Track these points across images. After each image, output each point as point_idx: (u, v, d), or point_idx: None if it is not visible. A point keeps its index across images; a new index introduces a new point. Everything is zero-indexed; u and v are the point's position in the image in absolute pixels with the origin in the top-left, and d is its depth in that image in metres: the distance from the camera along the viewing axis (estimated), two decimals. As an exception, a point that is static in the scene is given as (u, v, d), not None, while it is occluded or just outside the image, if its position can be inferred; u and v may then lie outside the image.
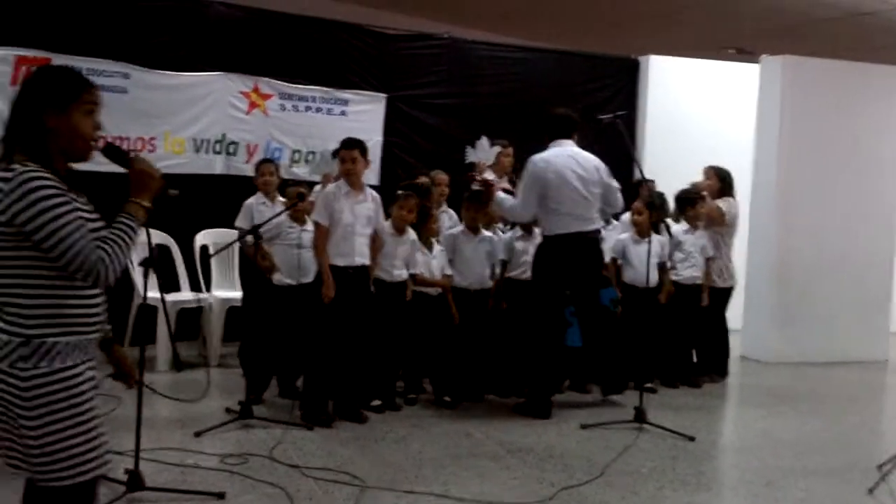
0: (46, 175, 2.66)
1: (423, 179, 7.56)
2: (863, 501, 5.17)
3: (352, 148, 6.27)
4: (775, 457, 6.02)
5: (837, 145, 9.74)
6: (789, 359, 9.41)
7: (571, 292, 6.84)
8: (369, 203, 6.36)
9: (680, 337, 8.09)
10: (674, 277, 7.99)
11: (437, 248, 6.99)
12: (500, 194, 7.02)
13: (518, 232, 7.34)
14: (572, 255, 6.71)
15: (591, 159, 6.84)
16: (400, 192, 6.92)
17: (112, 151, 2.96)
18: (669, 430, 6.34)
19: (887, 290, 10.18)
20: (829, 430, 6.91)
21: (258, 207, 7.03)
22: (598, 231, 6.87)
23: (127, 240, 2.80)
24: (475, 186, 7.12)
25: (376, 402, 6.56)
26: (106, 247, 2.73)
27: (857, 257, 9.79)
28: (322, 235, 6.19)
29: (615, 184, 7.03)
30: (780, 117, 9.70)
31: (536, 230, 7.30)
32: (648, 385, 7.43)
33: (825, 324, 9.61)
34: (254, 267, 6.65)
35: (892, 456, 5.57)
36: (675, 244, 8.00)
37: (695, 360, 8.34)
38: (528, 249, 7.26)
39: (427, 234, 6.94)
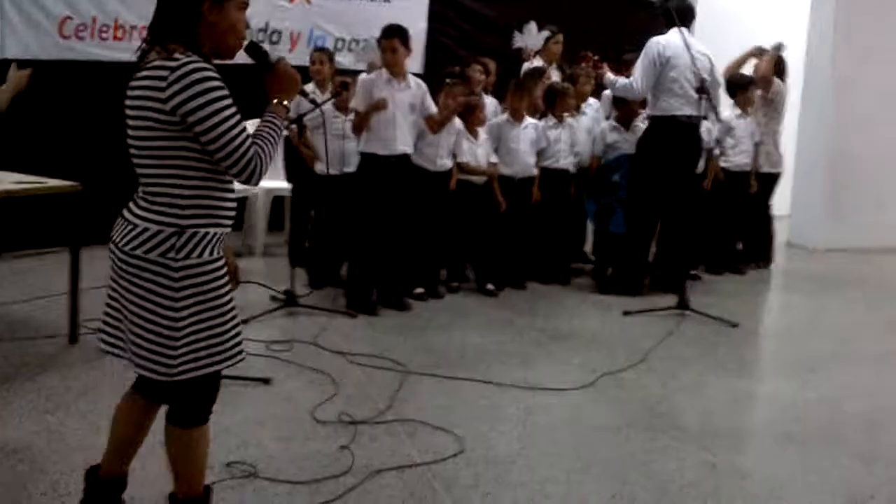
0: (211, 67, 2.64)
1: (477, 70, 7.43)
2: (907, 386, 5.17)
3: (392, 36, 6.15)
4: (819, 343, 6.01)
5: (893, 30, 9.43)
6: (837, 245, 9.30)
7: (671, 177, 6.87)
8: (413, 90, 6.27)
9: (725, 224, 8.02)
10: (723, 164, 7.88)
11: (482, 135, 6.92)
12: (610, 74, 7.07)
13: (550, 120, 7.26)
14: (679, 138, 6.85)
15: (705, 51, 6.91)
16: (448, 80, 6.84)
17: (254, 50, 2.94)
18: (712, 317, 6.34)
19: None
20: (875, 316, 6.87)
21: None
22: (700, 119, 6.88)
23: (275, 138, 2.83)
24: (586, 65, 7.16)
25: (419, 290, 6.61)
26: (260, 144, 2.75)
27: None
28: (359, 121, 6.16)
29: (721, 80, 7.20)
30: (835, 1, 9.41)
31: (569, 119, 7.27)
32: (693, 272, 7.40)
33: (874, 210, 9.47)
34: (298, 157, 6.70)
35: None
36: (727, 130, 7.85)
37: (739, 247, 8.30)
38: (560, 137, 7.25)
39: (473, 122, 6.86)
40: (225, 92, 2.64)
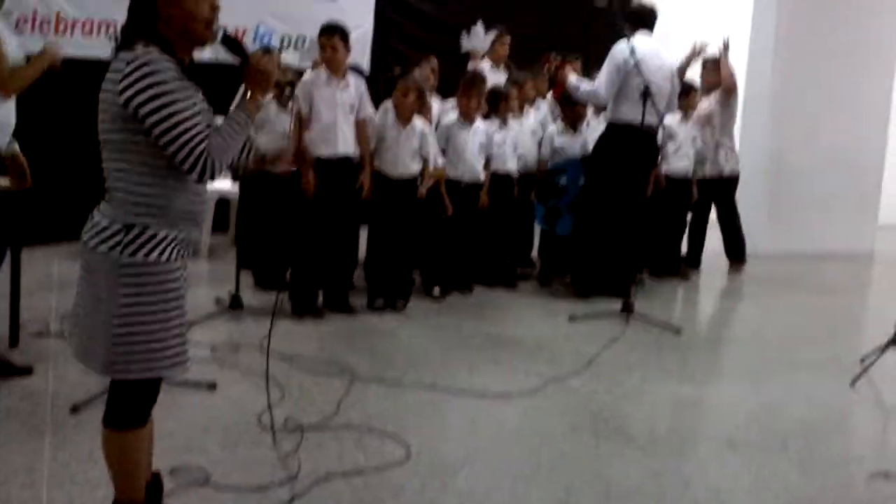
0: (165, 59, 2.62)
1: (429, 69, 7.43)
2: (845, 393, 5.26)
3: (331, 34, 6.05)
4: (760, 349, 6.11)
5: (834, 37, 9.61)
6: (777, 252, 9.45)
7: (626, 183, 6.93)
8: (352, 90, 6.19)
9: (669, 229, 8.12)
10: (665, 169, 7.95)
11: (419, 127, 6.76)
12: (574, 78, 7.07)
13: (494, 122, 7.27)
14: (637, 145, 6.87)
15: (667, 56, 7.01)
16: (398, 77, 6.79)
17: (229, 42, 2.90)
18: (656, 322, 6.41)
19: (877, 183, 10.17)
20: (815, 322, 7.00)
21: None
22: (658, 127, 6.94)
23: (237, 135, 2.77)
24: (548, 67, 7.08)
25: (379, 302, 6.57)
26: (216, 138, 2.70)
27: (848, 150, 9.77)
28: (299, 124, 6.07)
29: (678, 87, 7.26)
30: (776, 8, 9.54)
31: (512, 121, 7.29)
32: (637, 277, 7.46)
33: (814, 217, 9.66)
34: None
35: (874, 349, 5.65)
36: (668, 135, 7.92)
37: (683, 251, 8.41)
38: (505, 140, 7.26)
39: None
40: (177, 84, 2.62)
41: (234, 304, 6.06)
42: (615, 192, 6.93)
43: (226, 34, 2.90)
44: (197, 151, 2.63)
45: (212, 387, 4.62)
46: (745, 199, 9.76)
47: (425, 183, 6.62)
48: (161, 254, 2.70)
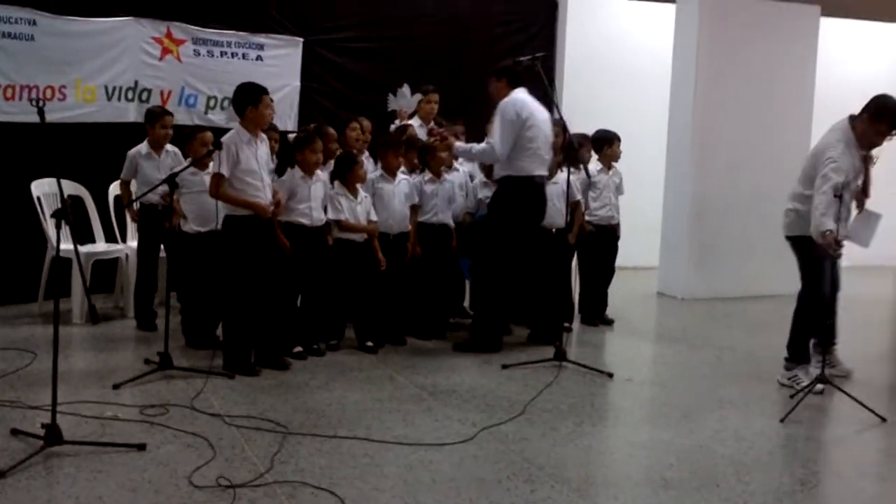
0: None
1: (354, 129, 7.52)
2: (775, 430, 5.35)
3: (266, 92, 6.10)
4: (691, 390, 6.19)
5: (753, 83, 9.90)
6: (704, 295, 9.62)
7: (523, 235, 6.95)
8: (265, 147, 6.26)
9: (598, 276, 8.21)
10: (588, 218, 8.03)
11: (361, 193, 6.89)
12: (459, 143, 7.15)
13: (427, 175, 7.35)
14: (531, 197, 6.93)
15: (543, 107, 7.05)
16: (304, 134, 6.85)
17: None
18: (588, 368, 6.46)
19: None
20: (744, 362, 7.10)
21: (141, 159, 7.36)
22: (546, 179, 7.02)
23: None
24: (430, 139, 7.13)
25: (298, 349, 6.55)
26: None
27: (770, 192, 9.92)
28: (221, 185, 6.00)
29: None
30: (696, 55, 9.79)
31: (446, 175, 7.36)
32: (566, 325, 7.51)
33: (739, 260, 9.84)
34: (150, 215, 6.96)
35: (803, 386, 5.76)
36: (590, 184, 8.03)
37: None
38: (437, 192, 7.34)
39: (353, 180, 6.83)
40: None
41: (164, 365, 5.95)
42: (512, 245, 6.91)
43: None
44: None
45: (141, 447, 4.53)
46: (672, 246, 9.95)
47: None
48: None
